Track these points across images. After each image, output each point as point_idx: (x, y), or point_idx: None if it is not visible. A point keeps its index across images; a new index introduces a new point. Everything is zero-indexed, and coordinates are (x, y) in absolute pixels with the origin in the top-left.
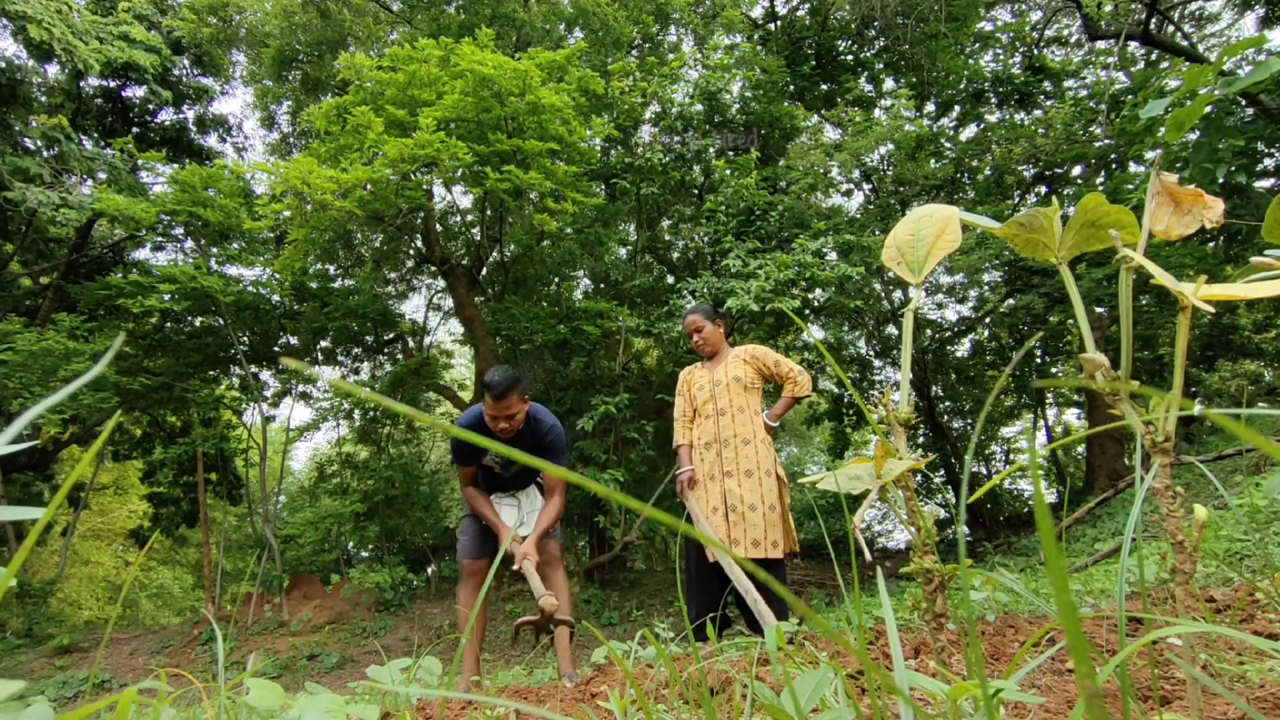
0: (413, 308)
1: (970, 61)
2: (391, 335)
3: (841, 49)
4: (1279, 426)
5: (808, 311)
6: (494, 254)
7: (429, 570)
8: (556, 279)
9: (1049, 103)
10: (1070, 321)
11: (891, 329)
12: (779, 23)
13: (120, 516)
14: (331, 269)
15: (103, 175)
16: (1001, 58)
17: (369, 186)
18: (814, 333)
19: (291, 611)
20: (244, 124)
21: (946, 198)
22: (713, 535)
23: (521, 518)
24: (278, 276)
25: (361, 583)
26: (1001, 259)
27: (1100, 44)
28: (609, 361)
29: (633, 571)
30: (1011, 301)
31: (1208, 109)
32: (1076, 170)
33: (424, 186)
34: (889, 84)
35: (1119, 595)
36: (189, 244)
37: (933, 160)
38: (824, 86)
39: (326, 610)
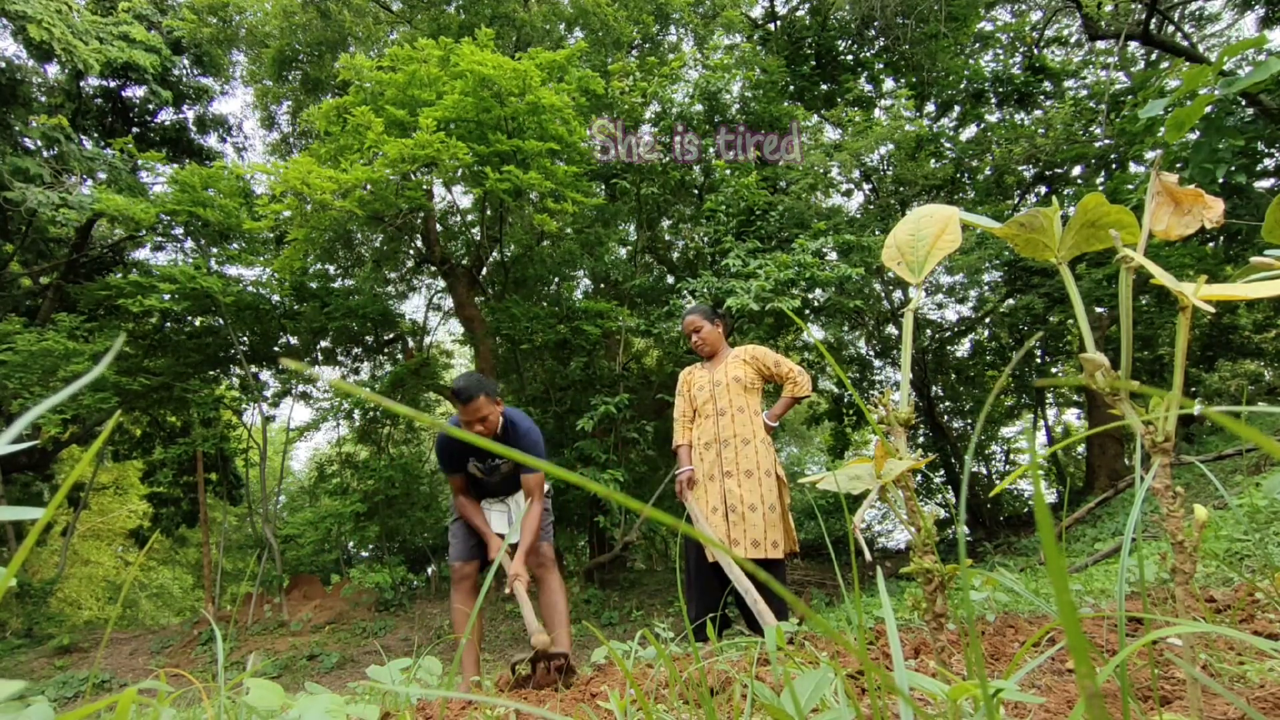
0: (413, 308)
1: (970, 61)
2: (391, 335)
3: (841, 49)
4: (1279, 426)
5: (808, 311)
6: (494, 254)
7: (429, 570)
8: (556, 279)
9: (1049, 103)
10: (1070, 321)
11: (891, 329)
12: (779, 23)
13: (120, 516)
14: (331, 269)
15: (103, 175)
16: (1001, 58)
17: (369, 186)
18: (814, 333)
19: (291, 611)
20: (244, 124)
21: (946, 198)
22: (712, 535)
23: (511, 522)
24: (278, 276)
25: (361, 583)
26: (1001, 259)
27: (1100, 44)
28: (609, 361)
29: (633, 571)
30: (1011, 301)
31: (1208, 109)
32: (1076, 170)
33: (424, 186)
34: (889, 84)
35: (1119, 595)
36: (189, 244)
37: (933, 160)
38: (824, 86)
39: (326, 610)
